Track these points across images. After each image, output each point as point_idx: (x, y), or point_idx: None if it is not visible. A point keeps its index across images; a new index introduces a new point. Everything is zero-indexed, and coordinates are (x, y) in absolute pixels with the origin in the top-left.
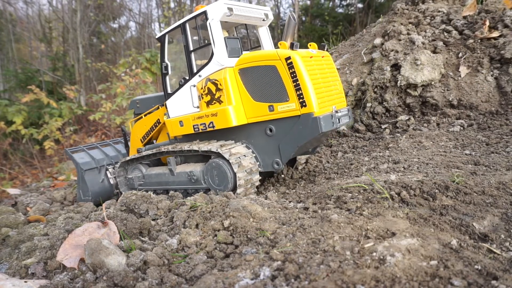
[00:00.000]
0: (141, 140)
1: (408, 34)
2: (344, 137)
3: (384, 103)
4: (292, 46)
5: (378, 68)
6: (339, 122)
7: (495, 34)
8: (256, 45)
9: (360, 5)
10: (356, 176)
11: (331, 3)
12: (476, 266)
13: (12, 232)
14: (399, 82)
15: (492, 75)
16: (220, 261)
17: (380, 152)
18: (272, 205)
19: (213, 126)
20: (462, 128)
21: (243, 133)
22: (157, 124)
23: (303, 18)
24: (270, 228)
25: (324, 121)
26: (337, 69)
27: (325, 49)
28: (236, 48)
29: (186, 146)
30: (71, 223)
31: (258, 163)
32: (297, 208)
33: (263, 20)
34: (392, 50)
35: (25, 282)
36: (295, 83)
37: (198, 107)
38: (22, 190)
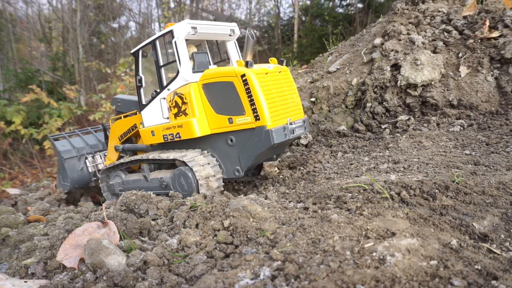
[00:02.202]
0: (119, 138)
1: (408, 34)
2: (344, 137)
3: (384, 103)
4: (247, 64)
5: (378, 68)
6: (293, 133)
7: (495, 34)
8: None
9: (360, 5)
10: (356, 176)
11: (331, 3)
12: (476, 266)
13: (12, 232)
14: (399, 82)
15: (492, 75)
16: (220, 261)
17: (380, 152)
18: (272, 205)
19: (180, 137)
20: (462, 128)
21: (208, 142)
22: (134, 128)
23: (303, 18)
24: (270, 228)
25: (276, 134)
26: (337, 69)
27: (284, 64)
28: (203, 62)
29: (156, 155)
30: (71, 223)
31: (222, 170)
32: (297, 208)
33: (230, 35)
34: (392, 50)
35: (25, 282)
36: (249, 98)
37: (168, 118)
38: (22, 190)
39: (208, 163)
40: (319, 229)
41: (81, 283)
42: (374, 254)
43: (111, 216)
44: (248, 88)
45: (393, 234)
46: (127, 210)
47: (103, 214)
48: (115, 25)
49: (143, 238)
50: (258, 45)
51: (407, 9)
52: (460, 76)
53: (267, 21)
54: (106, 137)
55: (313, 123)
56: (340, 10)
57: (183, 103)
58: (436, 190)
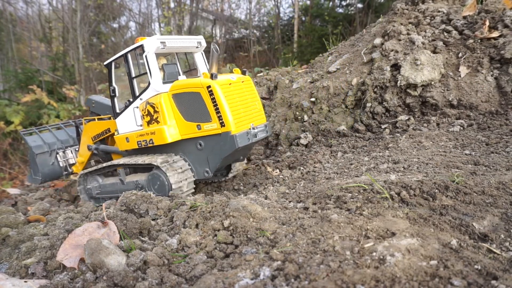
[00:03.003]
0: (92, 138)
1: (408, 34)
2: (344, 137)
3: (384, 103)
4: (212, 76)
5: (378, 68)
6: (255, 137)
7: (495, 34)
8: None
9: (360, 5)
10: (356, 176)
11: (331, 3)
12: (476, 266)
13: (12, 232)
14: (399, 82)
15: (492, 75)
16: (220, 261)
17: (380, 152)
18: (272, 205)
19: (153, 143)
20: (462, 128)
21: (179, 147)
22: (107, 132)
23: (303, 18)
24: (270, 228)
25: (239, 138)
26: (337, 69)
27: (246, 74)
28: (173, 73)
29: (132, 160)
30: (71, 223)
31: (193, 172)
32: (297, 208)
33: (197, 47)
34: (392, 50)
35: (25, 282)
36: (215, 107)
37: (141, 125)
38: (22, 190)
39: (180, 167)
40: (319, 229)
41: (81, 283)
42: (374, 254)
43: (111, 216)
44: (214, 98)
45: (393, 234)
46: (127, 210)
47: (103, 214)
48: (115, 25)
49: (143, 238)
50: (258, 45)
51: (407, 9)
52: (460, 76)
53: (267, 21)
54: (78, 134)
55: (313, 123)
56: (340, 10)
57: (155, 111)
58: (436, 190)
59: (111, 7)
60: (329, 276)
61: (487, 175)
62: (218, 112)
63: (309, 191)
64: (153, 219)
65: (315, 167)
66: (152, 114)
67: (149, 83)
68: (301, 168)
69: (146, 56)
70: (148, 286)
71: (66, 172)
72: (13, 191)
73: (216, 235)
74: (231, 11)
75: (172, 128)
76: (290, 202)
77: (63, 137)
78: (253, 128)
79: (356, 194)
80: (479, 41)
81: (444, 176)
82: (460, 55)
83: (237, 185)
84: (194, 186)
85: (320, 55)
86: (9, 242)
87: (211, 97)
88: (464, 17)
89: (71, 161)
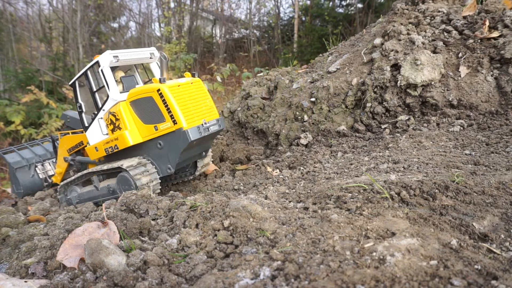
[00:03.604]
0: (67, 150)
1: (408, 34)
2: (344, 137)
3: (384, 103)
4: (160, 81)
5: (378, 68)
6: (208, 131)
7: (495, 34)
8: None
9: (360, 5)
10: (356, 176)
11: (331, 3)
12: (476, 266)
13: (12, 232)
14: (399, 82)
15: (492, 75)
16: (220, 261)
17: (380, 152)
18: (272, 205)
19: (117, 148)
20: (462, 128)
21: (143, 149)
22: (81, 144)
23: (303, 18)
24: (270, 228)
25: (191, 132)
26: (337, 69)
27: (196, 76)
28: (131, 84)
29: (99, 168)
30: (71, 223)
31: (157, 170)
32: (297, 208)
33: (150, 58)
34: (392, 50)
35: (25, 282)
36: (166, 108)
37: (107, 134)
38: None
39: (145, 168)
40: (319, 229)
41: (81, 283)
42: (374, 254)
43: (111, 216)
44: (164, 100)
45: (393, 234)
46: (127, 210)
47: (103, 214)
48: (115, 25)
49: (143, 238)
50: (258, 45)
51: (407, 9)
52: (460, 76)
53: (267, 21)
54: (55, 147)
55: (313, 123)
56: (340, 10)
57: (116, 119)
58: (436, 190)
59: (111, 7)
60: (329, 276)
61: (487, 175)
62: (169, 112)
63: (309, 191)
64: (153, 219)
65: (315, 167)
66: (115, 122)
67: (108, 95)
68: (301, 168)
69: (102, 70)
70: (148, 286)
71: (47, 184)
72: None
73: (216, 235)
74: (231, 11)
75: (133, 132)
76: (290, 202)
77: (40, 152)
78: (205, 123)
79: (356, 194)
80: (479, 41)
81: (444, 176)
82: (460, 55)
83: (237, 185)
84: (160, 187)
85: (320, 55)
86: (9, 242)
87: (162, 99)
88: (464, 17)
89: (50, 173)
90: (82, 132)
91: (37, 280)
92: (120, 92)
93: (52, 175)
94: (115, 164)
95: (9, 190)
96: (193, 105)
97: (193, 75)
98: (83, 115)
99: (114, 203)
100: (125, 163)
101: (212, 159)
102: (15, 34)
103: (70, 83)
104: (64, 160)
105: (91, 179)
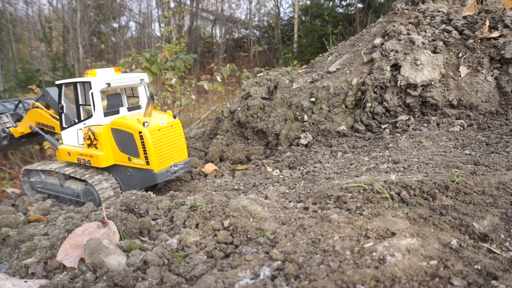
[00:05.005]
0: (35, 122)
1: (408, 34)
2: (344, 137)
3: (384, 103)
4: (144, 124)
5: (378, 68)
6: (175, 173)
7: (495, 34)
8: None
9: (360, 5)
10: (356, 176)
11: (331, 3)
12: (476, 266)
13: (12, 232)
14: (399, 82)
15: (492, 75)
16: (220, 261)
17: (380, 152)
18: (272, 205)
19: (90, 163)
20: (462, 128)
21: (114, 169)
22: (52, 129)
23: (303, 18)
24: (270, 228)
25: (160, 176)
26: (337, 69)
27: (177, 117)
28: (116, 103)
29: (71, 171)
30: (71, 223)
31: (122, 191)
32: (297, 208)
33: (140, 82)
34: (392, 50)
35: (25, 282)
36: (143, 149)
37: (82, 145)
38: (22, 190)
39: (111, 186)
40: (319, 229)
41: (81, 283)
42: (374, 254)
43: (111, 216)
44: (143, 142)
45: (393, 234)
46: (127, 210)
47: (103, 214)
48: (115, 25)
49: (143, 238)
50: (258, 45)
51: (407, 9)
52: (460, 76)
53: (267, 21)
54: (16, 108)
55: (313, 123)
56: (340, 10)
57: (95, 139)
58: (436, 190)
59: (111, 7)
60: (329, 276)
61: (487, 175)
62: (145, 153)
63: (309, 191)
64: (153, 219)
65: (315, 167)
66: (92, 140)
67: (92, 115)
68: (301, 168)
69: (92, 94)
70: (148, 286)
71: (5, 134)
72: (13, 191)
73: (216, 235)
74: (231, 11)
75: (107, 156)
76: (290, 202)
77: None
78: (175, 166)
79: (356, 194)
80: (479, 41)
81: (444, 176)
82: (460, 55)
83: (237, 185)
84: None
85: (320, 55)
86: (9, 242)
87: (141, 140)
88: (464, 17)
89: (9, 125)
90: (57, 119)
91: (37, 280)
92: (104, 109)
93: (10, 127)
94: (85, 176)
95: (9, 190)
96: (168, 148)
97: (174, 117)
98: (63, 115)
99: (114, 203)
100: (94, 179)
101: (212, 159)
102: (15, 34)
103: (57, 83)
104: (30, 128)
105: (58, 176)
